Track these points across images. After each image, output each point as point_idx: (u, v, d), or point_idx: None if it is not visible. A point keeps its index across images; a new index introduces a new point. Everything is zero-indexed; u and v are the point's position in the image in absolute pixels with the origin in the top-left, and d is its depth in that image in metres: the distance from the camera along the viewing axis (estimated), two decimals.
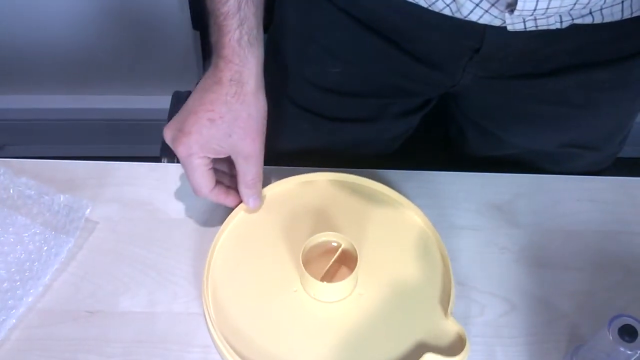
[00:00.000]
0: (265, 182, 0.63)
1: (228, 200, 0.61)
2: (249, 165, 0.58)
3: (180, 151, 0.56)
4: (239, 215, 0.62)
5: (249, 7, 0.56)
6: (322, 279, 0.55)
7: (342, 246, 0.57)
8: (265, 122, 0.59)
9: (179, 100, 1.05)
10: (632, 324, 0.47)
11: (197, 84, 0.59)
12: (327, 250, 0.58)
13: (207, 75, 0.58)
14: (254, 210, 0.62)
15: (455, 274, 0.60)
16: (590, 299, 0.59)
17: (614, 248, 0.63)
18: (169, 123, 0.58)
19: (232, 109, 0.56)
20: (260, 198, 0.62)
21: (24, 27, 1.28)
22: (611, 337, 0.47)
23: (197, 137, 0.55)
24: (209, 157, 0.57)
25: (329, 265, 0.56)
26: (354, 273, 0.55)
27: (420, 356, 0.52)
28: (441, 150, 0.87)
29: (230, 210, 0.62)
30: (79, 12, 1.26)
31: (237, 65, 0.56)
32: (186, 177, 0.58)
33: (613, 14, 0.58)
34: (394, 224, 0.62)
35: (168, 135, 0.57)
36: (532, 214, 0.65)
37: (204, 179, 0.58)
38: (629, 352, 0.47)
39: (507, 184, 0.68)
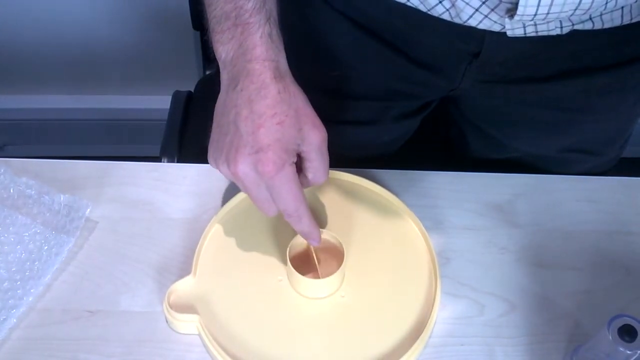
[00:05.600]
0: None
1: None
2: (323, 155, 0.53)
3: (270, 170, 0.49)
4: (227, 211, 0.62)
5: None
6: (310, 276, 0.56)
7: (328, 241, 0.58)
8: None
9: (179, 100, 1.05)
10: (632, 324, 0.47)
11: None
12: (315, 248, 0.58)
13: (243, 87, 0.51)
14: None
15: (455, 274, 0.60)
16: (590, 299, 0.59)
17: (614, 248, 0.63)
18: (236, 157, 0.50)
19: (289, 103, 0.51)
20: None
21: (24, 27, 1.28)
22: (611, 337, 0.47)
23: (279, 146, 0.49)
24: (294, 163, 0.51)
25: (316, 262, 0.57)
26: (340, 270, 0.56)
27: (404, 354, 0.53)
28: (441, 152, 0.87)
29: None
30: (80, 12, 1.26)
31: (274, 61, 0.51)
32: (279, 200, 0.51)
33: (613, 20, 0.58)
34: (384, 223, 0.63)
35: (245, 165, 0.50)
36: (532, 214, 0.65)
37: (300, 189, 0.52)
38: (628, 352, 0.47)
39: (507, 184, 0.68)
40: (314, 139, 0.51)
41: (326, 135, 0.52)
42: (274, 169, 0.49)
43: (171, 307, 0.55)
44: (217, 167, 0.52)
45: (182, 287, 0.57)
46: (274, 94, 0.50)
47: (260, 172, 0.49)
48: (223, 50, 0.52)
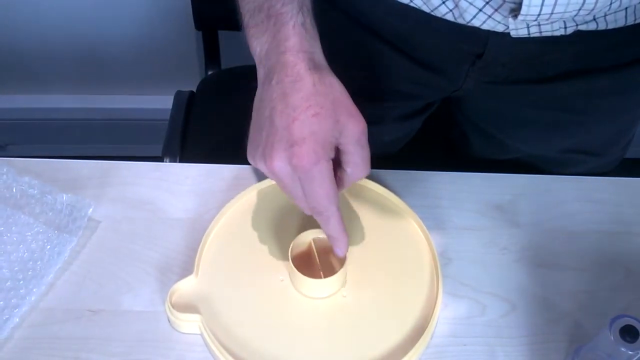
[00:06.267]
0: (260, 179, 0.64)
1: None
2: (363, 148, 0.51)
3: (305, 164, 0.47)
4: (229, 211, 0.63)
5: None
6: (312, 276, 0.56)
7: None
8: None
9: (181, 100, 1.06)
10: (633, 324, 0.47)
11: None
12: (317, 247, 0.58)
13: (278, 81, 0.49)
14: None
15: (456, 274, 0.60)
16: (591, 299, 0.59)
17: (615, 248, 0.63)
18: (272, 153, 0.48)
19: (325, 94, 0.49)
20: None
21: (27, 27, 1.28)
22: (612, 338, 0.47)
23: (315, 139, 0.48)
24: (331, 158, 0.49)
25: (318, 262, 0.58)
26: (341, 270, 0.56)
27: (406, 354, 0.53)
28: (443, 152, 0.88)
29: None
30: (82, 12, 1.26)
31: (308, 52, 0.50)
32: (310, 196, 0.50)
33: (617, 21, 0.58)
34: (386, 223, 0.63)
35: (280, 161, 0.48)
36: (532, 214, 0.65)
37: (334, 188, 0.50)
38: (630, 352, 0.47)
39: (508, 185, 0.68)
40: (352, 130, 0.49)
41: (365, 126, 0.50)
42: (308, 163, 0.47)
43: (173, 307, 0.55)
44: (255, 163, 0.51)
45: (184, 287, 0.57)
46: (309, 86, 0.49)
47: (294, 166, 0.48)
48: (258, 44, 0.51)
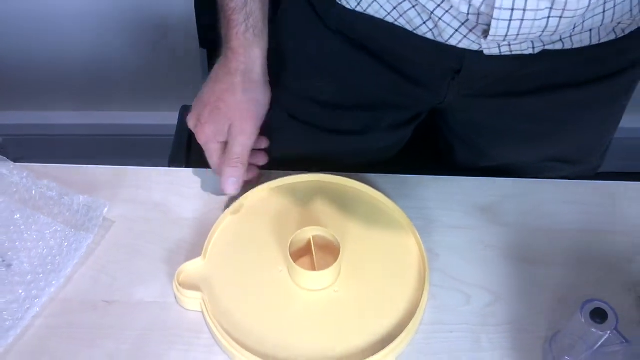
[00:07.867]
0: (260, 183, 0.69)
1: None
2: (236, 145, 0.64)
3: (199, 138, 0.66)
4: (238, 207, 0.67)
5: (254, 2, 0.63)
6: (308, 269, 0.60)
7: (326, 238, 0.62)
8: (266, 109, 0.67)
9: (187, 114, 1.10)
10: (603, 307, 0.50)
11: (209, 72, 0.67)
12: (315, 244, 0.63)
13: (219, 66, 0.65)
14: (230, 194, 0.67)
15: (444, 267, 0.64)
16: (570, 292, 0.63)
17: (592, 245, 0.67)
18: (191, 112, 0.67)
19: (236, 96, 0.64)
20: (239, 185, 0.66)
21: (38, 47, 1.33)
22: (583, 320, 0.50)
23: (210, 127, 0.64)
24: (221, 142, 0.65)
25: (315, 256, 0.62)
26: (336, 263, 0.60)
27: (395, 338, 0.57)
28: (433, 160, 0.91)
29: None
30: (91, 31, 1.30)
31: (242, 56, 0.63)
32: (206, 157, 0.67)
33: (582, 41, 0.63)
34: (378, 223, 0.67)
35: (191, 123, 0.67)
36: (517, 215, 0.69)
37: (220, 159, 0.66)
38: (600, 332, 0.50)
39: (494, 188, 0.72)
40: (235, 127, 0.64)
41: (248, 132, 0.65)
42: (201, 139, 0.66)
43: (180, 285, 0.59)
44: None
45: (192, 267, 0.62)
46: (230, 83, 0.64)
47: (195, 133, 0.66)
48: (222, 32, 0.65)
